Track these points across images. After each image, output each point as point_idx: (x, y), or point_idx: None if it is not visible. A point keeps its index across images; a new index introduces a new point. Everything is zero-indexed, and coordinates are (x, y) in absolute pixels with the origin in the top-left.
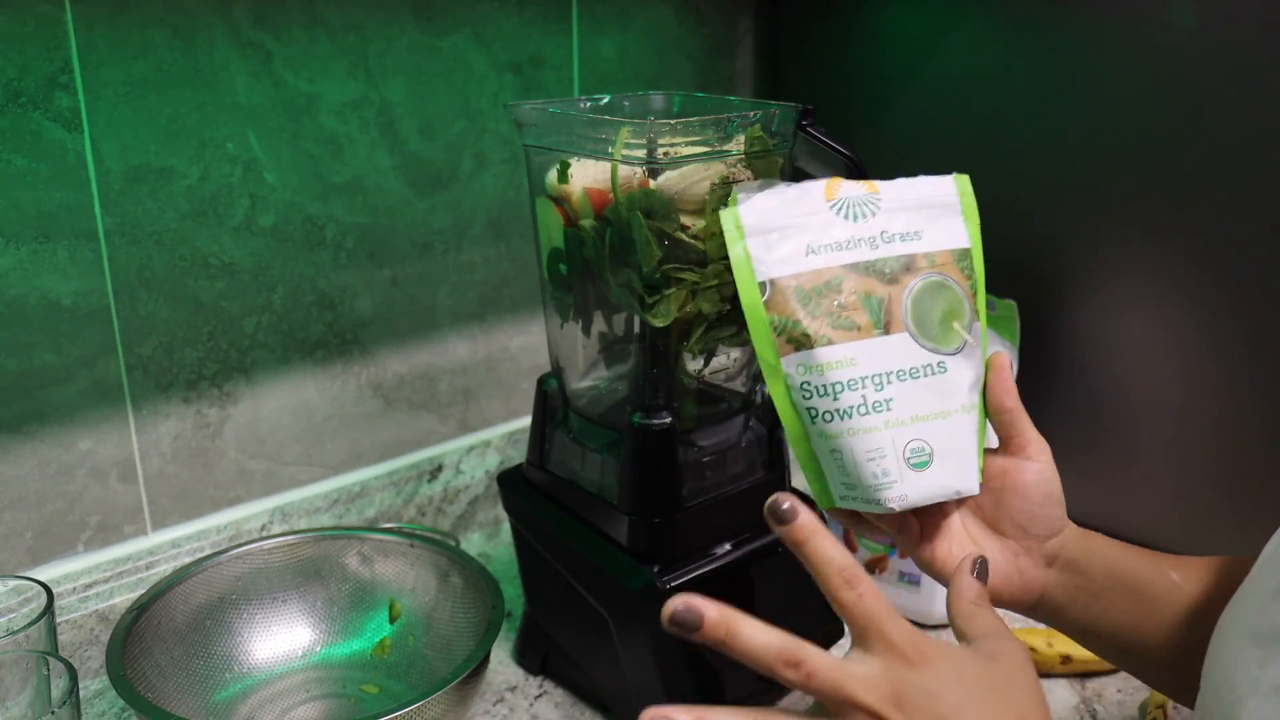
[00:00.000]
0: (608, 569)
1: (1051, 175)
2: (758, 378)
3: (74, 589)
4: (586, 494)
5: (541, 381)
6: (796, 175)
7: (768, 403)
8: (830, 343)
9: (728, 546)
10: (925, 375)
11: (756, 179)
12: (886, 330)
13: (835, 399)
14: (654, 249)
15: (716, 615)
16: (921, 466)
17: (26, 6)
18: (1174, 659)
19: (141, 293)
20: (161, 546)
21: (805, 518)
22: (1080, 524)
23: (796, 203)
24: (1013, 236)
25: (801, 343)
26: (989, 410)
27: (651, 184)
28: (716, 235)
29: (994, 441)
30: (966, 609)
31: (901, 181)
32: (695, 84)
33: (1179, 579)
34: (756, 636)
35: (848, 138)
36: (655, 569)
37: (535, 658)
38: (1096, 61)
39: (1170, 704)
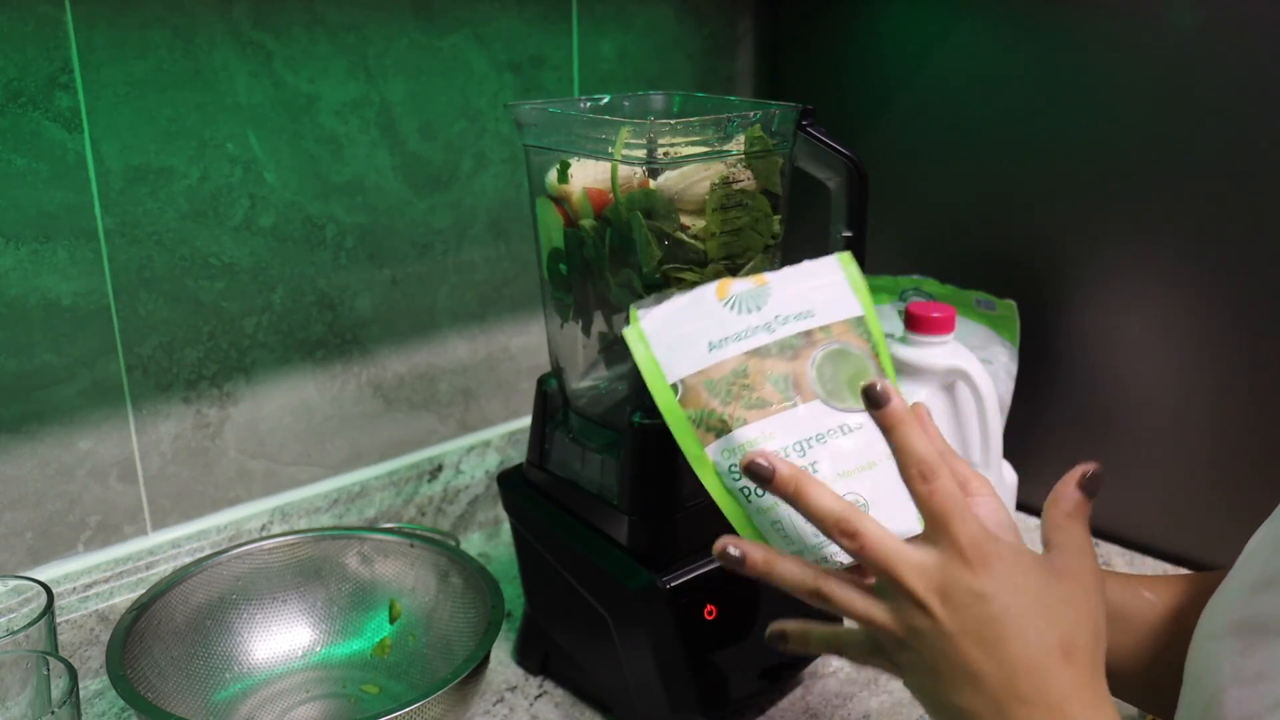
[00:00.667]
0: (608, 569)
1: (1051, 175)
2: None
3: (74, 589)
4: (586, 494)
5: (541, 381)
6: (796, 175)
7: None
8: (745, 423)
9: None
10: (843, 434)
11: (755, 180)
12: (797, 402)
13: None
14: (654, 249)
15: (788, 472)
16: (862, 509)
17: (26, 6)
18: (1149, 674)
19: (141, 293)
20: (161, 546)
21: (896, 404)
22: None
23: (692, 306)
24: (1013, 236)
25: (720, 429)
26: None
27: (651, 184)
28: (716, 235)
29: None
30: (1057, 518)
31: (787, 270)
32: (695, 84)
33: (1152, 597)
34: (823, 499)
35: (848, 138)
36: (655, 569)
37: (535, 658)
38: (1096, 61)
39: None
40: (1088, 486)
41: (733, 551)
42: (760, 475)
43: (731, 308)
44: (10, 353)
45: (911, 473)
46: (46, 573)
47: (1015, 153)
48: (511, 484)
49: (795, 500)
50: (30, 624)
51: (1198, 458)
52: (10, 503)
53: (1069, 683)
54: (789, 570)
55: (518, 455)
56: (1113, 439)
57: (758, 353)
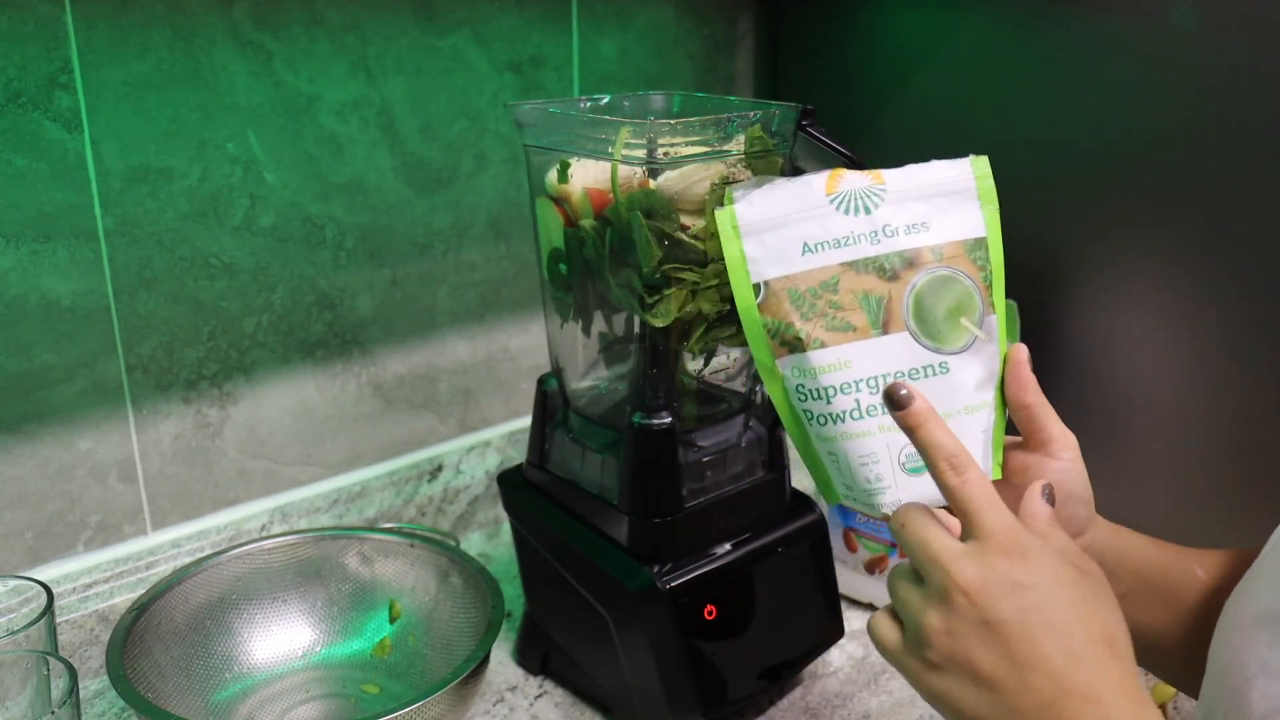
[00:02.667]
0: (608, 569)
1: (1052, 175)
2: (758, 378)
3: (74, 589)
4: (586, 494)
5: (541, 381)
6: (796, 175)
7: (767, 403)
8: (823, 345)
9: (728, 546)
10: (925, 377)
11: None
12: (884, 330)
13: (829, 403)
14: (654, 249)
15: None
16: (917, 471)
17: (26, 6)
18: (1191, 654)
19: (141, 293)
20: (161, 546)
21: (920, 404)
22: None
23: (795, 198)
24: (1013, 236)
25: (795, 346)
26: (1008, 405)
27: (651, 184)
28: (716, 235)
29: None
30: (1041, 531)
31: (912, 168)
32: (695, 84)
33: (1202, 574)
34: (943, 436)
35: (848, 138)
36: (655, 569)
37: (535, 658)
38: (1097, 61)
39: (1170, 704)
40: (1050, 500)
41: (901, 396)
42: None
43: (838, 205)
44: (10, 353)
45: (941, 467)
46: (46, 573)
47: (1015, 153)
48: (511, 484)
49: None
50: (30, 624)
51: (1198, 457)
52: (10, 503)
53: (1116, 676)
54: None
55: (518, 455)
56: (1113, 439)
57: (854, 265)
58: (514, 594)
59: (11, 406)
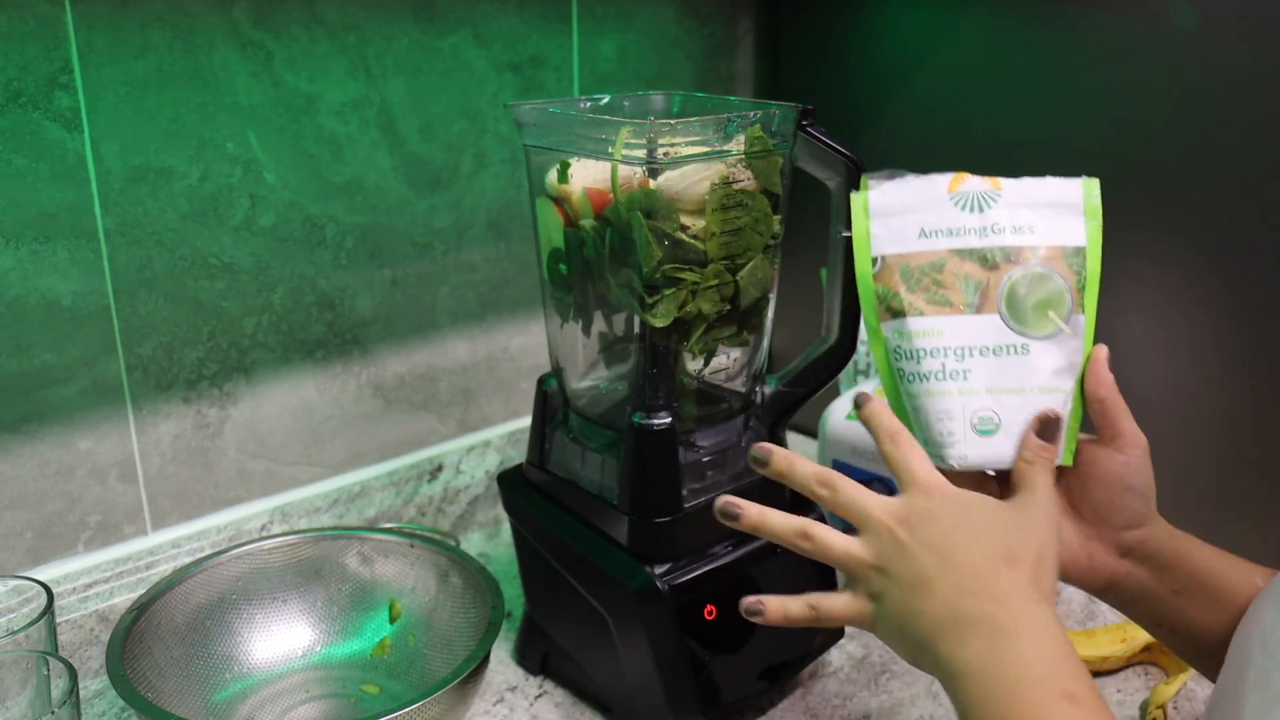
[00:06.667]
0: (608, 569)
1: (1051, 175)
2: (758, 378)
3: (74, 589)
4: (586, 494)
5: (541, 381)
6: (796, 175)
7: (767, 402)
8: (921, 314)
9: (728, 546)
10: (1007, 354)
11: (755, 180)
12: (978, 310)
13: (918, 363)
14: (654, 249)
15: (783, 457)
16: (987, 434)
17: (26, 6)
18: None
19: (141, 293)
20: (161, 546)
21: (874, 405)
22: None
23: (920, 191)
24: None
25: (898, 312)
26: (1085, 399)
27: (651, 184)
28: (716, 235)
29: None
30: (1020, 464)
31: (1028, 180)
32: (695, 84)
33: (1263, 584)
34: (799, 469)
35: (848, 138)
36: (655, 569)
37: (535, 658)
38: (1096, 61)
39: (1170, 704)
40: (1043, 432)
41: (730, 509)
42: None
43: (957, 203)
44: (10, 353)
45: (882, 436)
46: (46, 573)
47: (1015, 152)
48: (511, 484)
49: (785, 475)
50: (30, 624)
51: (1199, 457)
52: (10, 503)
53: (1010, 582)
54: (777, 521)
55: (518, 455)
56: None
57: (960, 253)
58: (514, 594)
59: (11, 406)
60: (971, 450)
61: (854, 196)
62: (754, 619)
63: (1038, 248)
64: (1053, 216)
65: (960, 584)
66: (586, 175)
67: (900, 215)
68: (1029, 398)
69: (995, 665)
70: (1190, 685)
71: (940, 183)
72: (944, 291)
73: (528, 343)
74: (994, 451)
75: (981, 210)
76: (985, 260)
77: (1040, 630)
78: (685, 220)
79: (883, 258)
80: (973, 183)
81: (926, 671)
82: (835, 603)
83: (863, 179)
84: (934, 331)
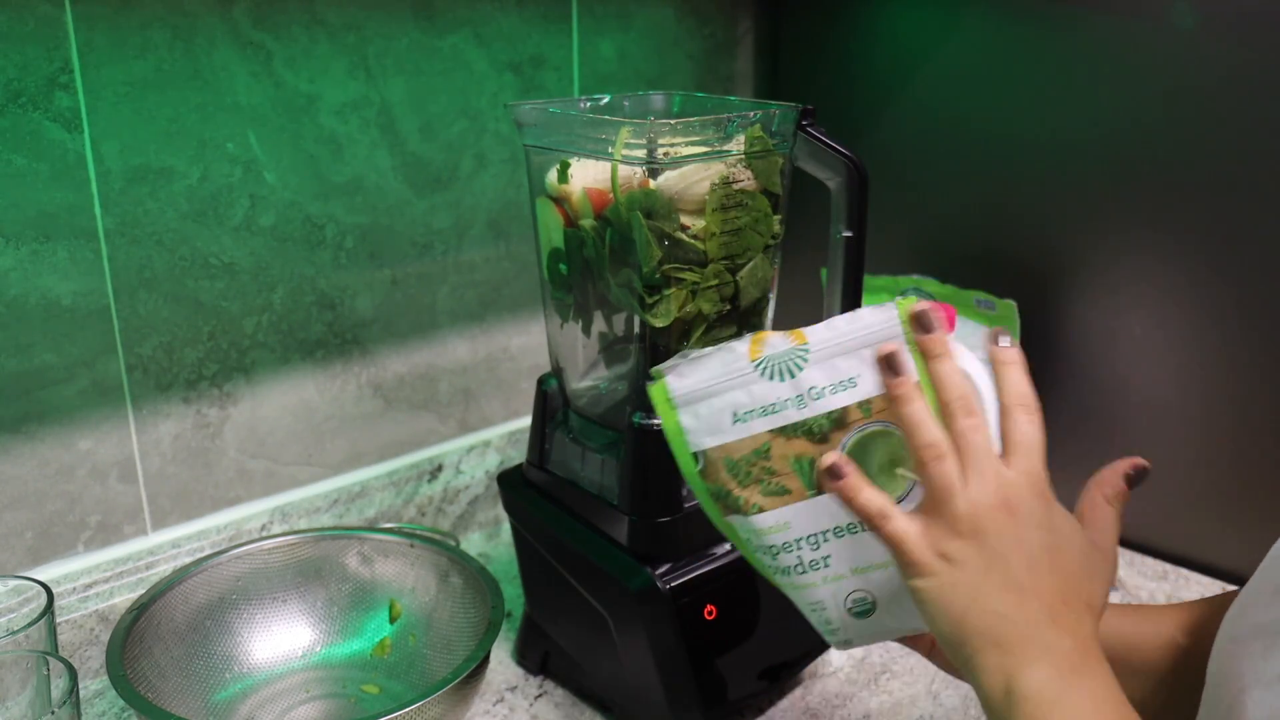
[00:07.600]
0: (608, 569)
1: (1051, 175)
2: None
3: (74, 589)
4: (586, 494)
5: (541, 381)
6: (796, 175)
7: None
8: (761, 510)
9: (728, 546)
10: (863, 529)
11: (755, 180)
12: (820, 490)
13: (774, 559)
14: (654, 249)
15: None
16: (864, 615)
17: (26, 6)
18: (1169, 707)
19: (141, 293)
20: (161, 546)
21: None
22: None
23: (720, 367)
24: (1013, 236)
25: (736, 510)
26: None
27: (651, 184)
28: (716, 235)
29: None
30: (1097, 498)
31: (838, 321)
32: (695, 84)
33: (1180, 638)
34: (865, 496)
35: (848, 138)
36: (655, 569)
37: (535, 658)
38: (1096, 61)
39: None
40: (1132, 479)
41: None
42: (835, 474)
43: (764, 373)
44: (10, 353)
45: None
46: (46, 573)
47: (1015, 153)
48: (511, 484)
49: (902, 421)
50: (30, 624)
51: (1199, 458)
52: (10, 503)
53: (1090, 628)
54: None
55: (518, 455)
56: (1113, 439)
57: (783, 431)
58: (514, 594)
59: (11, 406)
60: (854, 634)
61: (651, 388)
62: (831, 482)
63: (867, 400)
64: (873, 358)
65: (1050, 606)
66: (586, 175)
67: (708, 400)
68: (895, 570)
69: (1066, 699)
70: None
71: (740, 351)
72: (778, 479)
73: (528, 343)
74: (878, 628)
75: (792, 375)
76: (812, 433)
77: (1109, 681)
78: (685, 220)
79: (704, 454)
80: (774, 343)
81: (951, 656)
82: (906, 526)
83: (654, 368)
84: (779, 526)
